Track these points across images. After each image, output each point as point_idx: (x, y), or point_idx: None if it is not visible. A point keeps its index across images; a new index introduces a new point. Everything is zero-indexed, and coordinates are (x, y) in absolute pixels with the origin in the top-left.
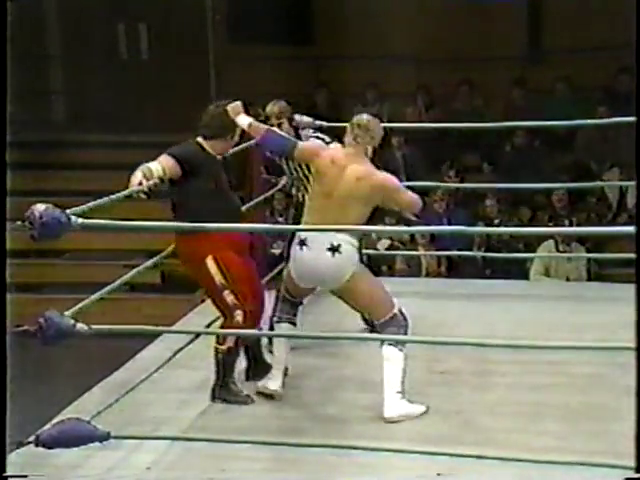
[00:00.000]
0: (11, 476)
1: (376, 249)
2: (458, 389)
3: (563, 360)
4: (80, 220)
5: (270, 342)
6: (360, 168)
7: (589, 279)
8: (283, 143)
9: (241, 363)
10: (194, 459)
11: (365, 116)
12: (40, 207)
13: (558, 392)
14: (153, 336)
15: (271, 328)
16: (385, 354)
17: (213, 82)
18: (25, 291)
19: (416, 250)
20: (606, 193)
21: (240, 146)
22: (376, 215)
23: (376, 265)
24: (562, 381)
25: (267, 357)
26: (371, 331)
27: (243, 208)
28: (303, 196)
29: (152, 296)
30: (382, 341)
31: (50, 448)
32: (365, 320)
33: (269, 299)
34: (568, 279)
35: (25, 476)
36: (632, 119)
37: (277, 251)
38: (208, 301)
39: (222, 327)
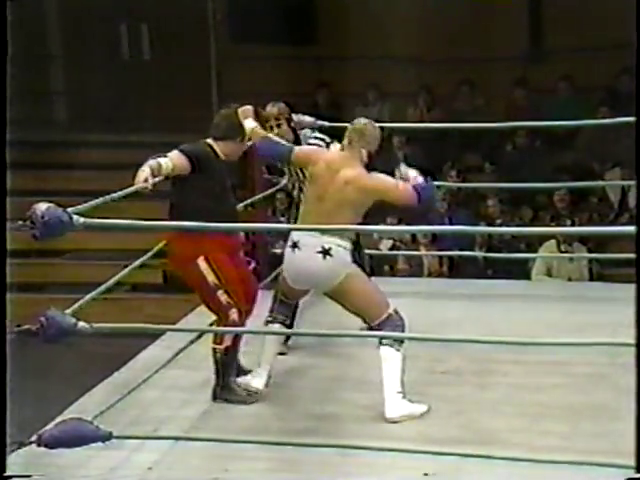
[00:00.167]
0: (11, 476)
1: (378, 249)
2: (460, 389)
3: (565, 360)
4: (82, 219)
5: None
6: (350, 172)
7: (591, 279)
8: (279, 150)
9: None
10: (196, 459)
11: (363, 120)
12: (42, 206)
13: (560, 392)
14: (155, 336)
15: None
16: (383, 355)
17: (215, 82)
18: (26, 291)
19: (418, 250)
20: (608, 193)
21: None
22: (378, 215)
23: (378, 265)
24: (564, 381)
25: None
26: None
27: (245, 208)
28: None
29: (154, 296)
30: (379, 342)
31: (52, 448)
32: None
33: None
34: (570, 279)
35: (26, 476)
36: (633, 119)
37: (279, 251)
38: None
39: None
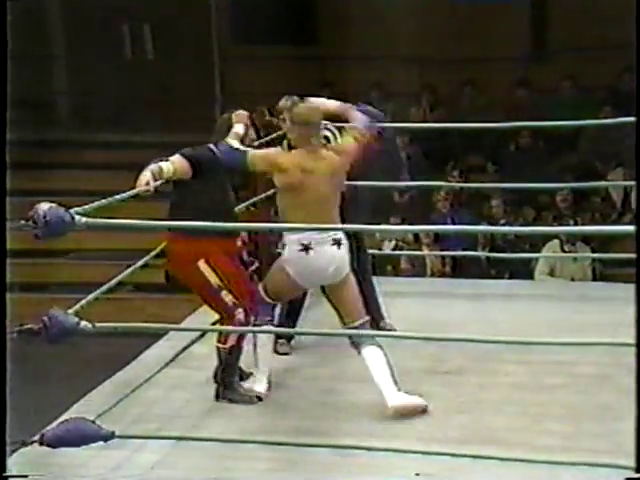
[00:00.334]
0: (11, 476)
1: (381, 249)
2: (462, 389)
3: (568, 360)
4: (84, 219)
5: (275, 342)
6: (323, 164)
7: (594, 279)
8: (234, 156)
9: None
10: (198, 458)
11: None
12: (44, 206)
13: (562, 392)
14: (157, 336)
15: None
16: (367, 355)
17: (217, 82)
18: (29, 291)
19: (420, 250)
20: (610, 193)
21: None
22: (381, 215)
23: (381, 265)
24: (566, 381)
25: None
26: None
27: (247, 208)
28: None
29: (156, 296)
30: (359, 347)
31: (55, 447)
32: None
33: None
34: (573, 279)
35: (25, 476)
36: (633, 119)
37: (281, 251)
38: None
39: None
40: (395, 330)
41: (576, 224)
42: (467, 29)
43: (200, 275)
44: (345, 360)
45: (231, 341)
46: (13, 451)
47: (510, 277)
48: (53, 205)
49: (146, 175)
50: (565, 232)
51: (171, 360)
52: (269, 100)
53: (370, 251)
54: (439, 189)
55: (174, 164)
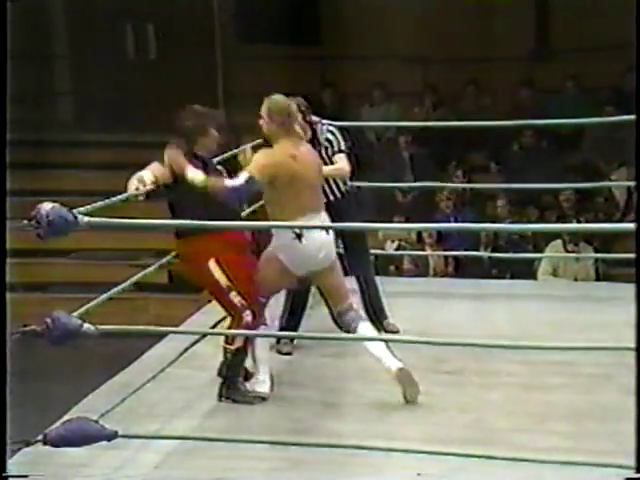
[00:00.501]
0: (11, 476)
1: (384, 249)
2: (464, 389)
3: (570, 360)
4: (86, 219)
5: (278, 341)
6: (312, 155)
7: (597, 279)
8: (245, 190)
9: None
10: (201, 458)
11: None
12: (47, 206)
13: (565, 392)
14: (160, 336)
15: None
16: (362, 332)
17: (220, 82)
18: (31, 290)
19: (423, 250)
20: (614, 193)
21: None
22: (385, 215)
23: (384, 265)
24: (569, 381)
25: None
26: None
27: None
28: None
29: (159, 296)
30: (350, 328)
31: (58, 447)
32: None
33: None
34: (576, 279)
35: (25, 476)
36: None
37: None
38: (215, 301)
39: (230, 328)
40: (398, 330)
41: (579, 224)
42: (470, 29)
43: (210, 275)
44: (348, 359)
45: (238, 342)
46: (16, 451)
47: (512, 277)
48: (56, 205)
49: (133, 182)
50: (567, 230)
51: (174, 360)
52: None
53: (373, 251)
54: (442, 189)
55: (153, 171)
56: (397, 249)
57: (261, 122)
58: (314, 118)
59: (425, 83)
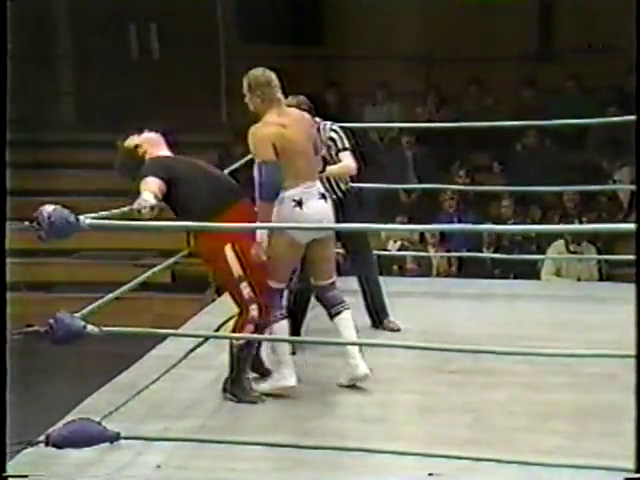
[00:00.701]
0: (11, 476)
1: (387, 249)
2: (467, 389)
3: (572, 360)
4: (88, 220)
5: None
6: (306, 119)
7: (600, 279)
8: (275, 177)
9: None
10: (204, 459)
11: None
12: (48, 208)
13: (568, 392)
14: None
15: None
16: (346, 317)
17: (223, 82)
18: (35, 290)
19: (426, 250)
20: (617, 192)
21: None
22: (387, 215)
23: (387, 265)
24: (572, 381)
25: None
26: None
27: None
28: None
29: (162, 295)
30: (333, 312)
31: (60, 448)
32: None
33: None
34: (579, 279)
35: (25, 476)
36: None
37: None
38: (218, 301)
39: (237, 321)
40: (399, 328)
41: (582, 224)
42: (473, 29)
43: (225, 264)
44: None
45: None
46: (18, 451)
47: (515, 277)
48: (57, 207)
49: (140, 204)
50: (569, 231)
51: (177, 360)
52: None
53: (376, 251)
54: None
55: (152, 191)
56: (400, 249)
57: (246, 100)
58: (317, 119)
59: (428, 83)
